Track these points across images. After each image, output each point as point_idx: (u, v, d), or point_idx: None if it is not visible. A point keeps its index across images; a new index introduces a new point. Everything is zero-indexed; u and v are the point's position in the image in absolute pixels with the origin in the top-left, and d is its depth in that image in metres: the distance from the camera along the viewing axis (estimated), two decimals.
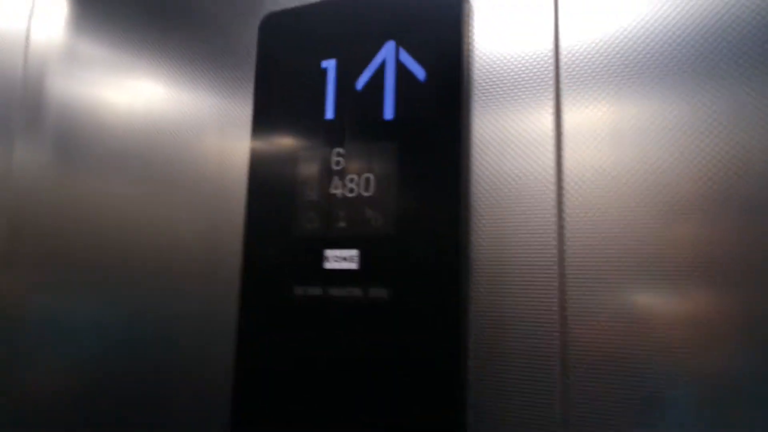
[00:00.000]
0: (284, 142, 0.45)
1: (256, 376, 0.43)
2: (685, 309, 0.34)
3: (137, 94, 0.57)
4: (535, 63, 0.40)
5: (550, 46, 0.40)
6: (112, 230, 0.55)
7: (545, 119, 0.39)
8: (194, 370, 0.48)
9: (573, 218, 0.38)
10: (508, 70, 0.41)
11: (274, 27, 0.47)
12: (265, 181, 0.45)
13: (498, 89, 0.41)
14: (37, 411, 0.56)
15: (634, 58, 0.38)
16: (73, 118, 0.60)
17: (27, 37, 0.67)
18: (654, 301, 0.35)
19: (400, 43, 0.42)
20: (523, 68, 0.40)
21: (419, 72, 0.41)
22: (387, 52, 0.42)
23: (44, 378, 0.56)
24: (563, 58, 0.40)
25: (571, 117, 0.39)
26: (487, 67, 0.42)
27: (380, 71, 0.42)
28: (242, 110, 0.50)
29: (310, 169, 0.43)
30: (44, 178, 0.60)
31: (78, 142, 0.59)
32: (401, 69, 0.41)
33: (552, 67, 0.40)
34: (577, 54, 0.39)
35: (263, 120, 0.46)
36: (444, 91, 0.40)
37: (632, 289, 0.36)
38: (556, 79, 0.40)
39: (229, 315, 0.47)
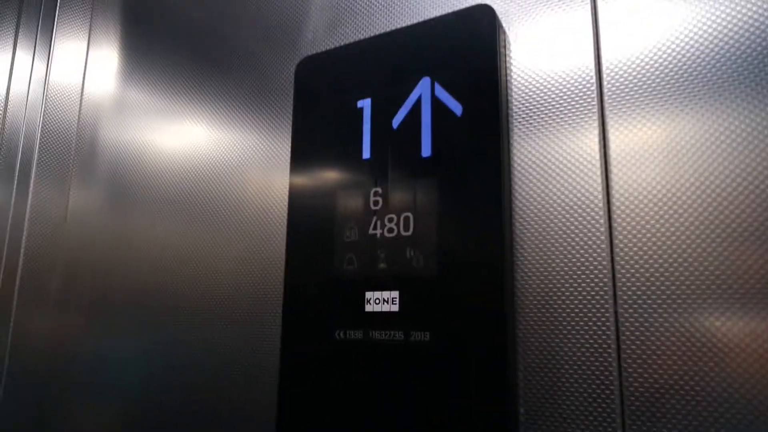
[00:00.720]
0: (322, 182, 0.45)
1: (299, 419, 0.42)
2: (743, 334, 0.32)
3: (181, 137, 0.58)
4: (576, 85, 0.39)
5: (592, 66, 0.39)
6: (159, 269, 0.56)
7: (590, 143, 0.38)
8: (238, 407, 0.48)
9: (625, 246, 0.36)
10: (549, 96, 0.40)
11: (309, 70, 0.48)
12: (305, 221, 0.45)
13: (538, 117, 0.40)
14: None
15: (683, 73, 0.36)
16: (123, 163, 0.63)
17: (81, 90, 0.70)
18: (713, 327, 0.32)
19: (435, 78, 0.41)
20: (564, 92, 0.39)
21: (456, 107, 0.40)
22: (422, 88, 0.41)
23: (98, 411, 0.58)
24: (606, 78, 0.38)
25: (617, 139, 0.37)
26: (526, 94, 0.40)
27: (416, 108, 0.41)
28: (282, 150, 0.51)
29: (348, 209, 0.43)
30: (96, 222, 0.63)
31: (127, 186, 0.61)
32: (437, 105, 0.41)
33: (595, 89, 0.38)
34: (620, 73, 0.38)
35: (301, 162, 0.46)
36: (482, 124, 0.39)
37: (691, 316, 0.33)
38: (600, 101, 0.38)
39: (273, 354, 0.46)
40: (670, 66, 0.36)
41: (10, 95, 0.78)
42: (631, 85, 0.37)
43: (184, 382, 0.52)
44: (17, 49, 0.80)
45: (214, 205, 0.54)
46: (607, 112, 0.38)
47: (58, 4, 0.76)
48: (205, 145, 0.56)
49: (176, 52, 0.62)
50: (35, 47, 0.80)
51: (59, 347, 0.62)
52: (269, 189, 0.51)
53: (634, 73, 0.37)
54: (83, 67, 0.71)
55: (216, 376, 0.50)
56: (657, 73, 0.37)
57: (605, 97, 0.38)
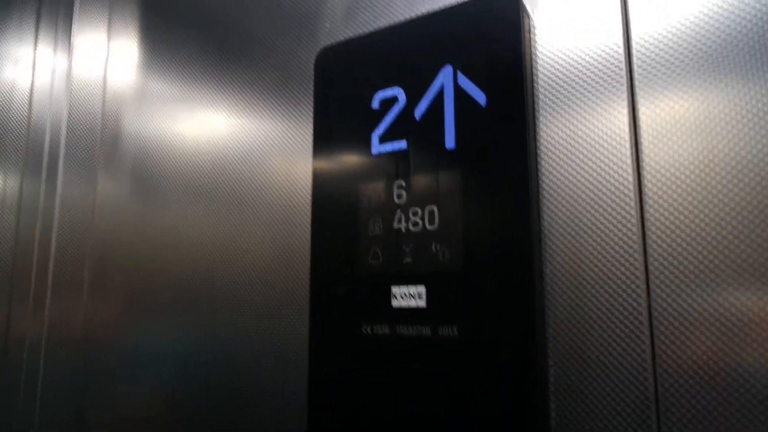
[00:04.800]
0: (344, 176, 0.44)
1: (329, 411, 0.42)
2: None
3: (204, 125, 0.58)
4: (605, 65, 0.37)
5: (621, 44, 0.37)
6: (187, 257, 0.57)
7: (620, 122, 0.36)
8: (271, 397, 0.49)
9: (655, 217, 0.35)
10: (576, 78, 0.38)
11: (329, 61, 0.47)
12: (328, 215, 0.45)
13: (566, 100, 0.38)
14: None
15: (712, 44, 0.34)
16: (148, 152, 0.63)
17: (104, 81, 0.71)
18: (746, 309, 0.31)
19: (457, 67, 0.40)
20: (593, 72, 0.38)
21: (480, 96, 0.39)
22: (444, 77, 0.40)
23: (134, 399, 0.59)
24: (636, 56, 0.37)
25: (647, 117, 0.36)
26: (553, 78, 0.39)
27: (439, 98, 0.40)
28: (306, 141, 0.50)
29: (372, 204, 0.42)
30: (124, 211, 0.64)
31: (153, 175, 0.62)
32: (460, 94, 0.39)
33: (624, 66, 0.37)
34: (650, 48, 0.36)
35: (323, 156, 0.46)
36: (507, 113, 0.38)
37: (726, 300, 0.32)
38: (630, 79, 0.37)
39: (302, 345, 0.47)
40: (700, 38, 0.35)
41: (34, 89, 0.79)
42: (661, 60, 0.36)
43: (216, 371, 0.53)
44: (39, 43, 0.81)
45: (238, 192, 0.54)
46: (637, 90, 0.36)
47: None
48: (229, 132, 0.56)
49: (195, 41, 0.61)
50: (56, 41, 0.80)
51: (94, 338, 0.63)
52: (294, 178, 0.50)
53: (664, 47, 0.36)
54: (105, 61, 0.71)
55: (249, 365, 0.51)
56: (686, 45, 0.35)
57: (635, 75, 0.37)
